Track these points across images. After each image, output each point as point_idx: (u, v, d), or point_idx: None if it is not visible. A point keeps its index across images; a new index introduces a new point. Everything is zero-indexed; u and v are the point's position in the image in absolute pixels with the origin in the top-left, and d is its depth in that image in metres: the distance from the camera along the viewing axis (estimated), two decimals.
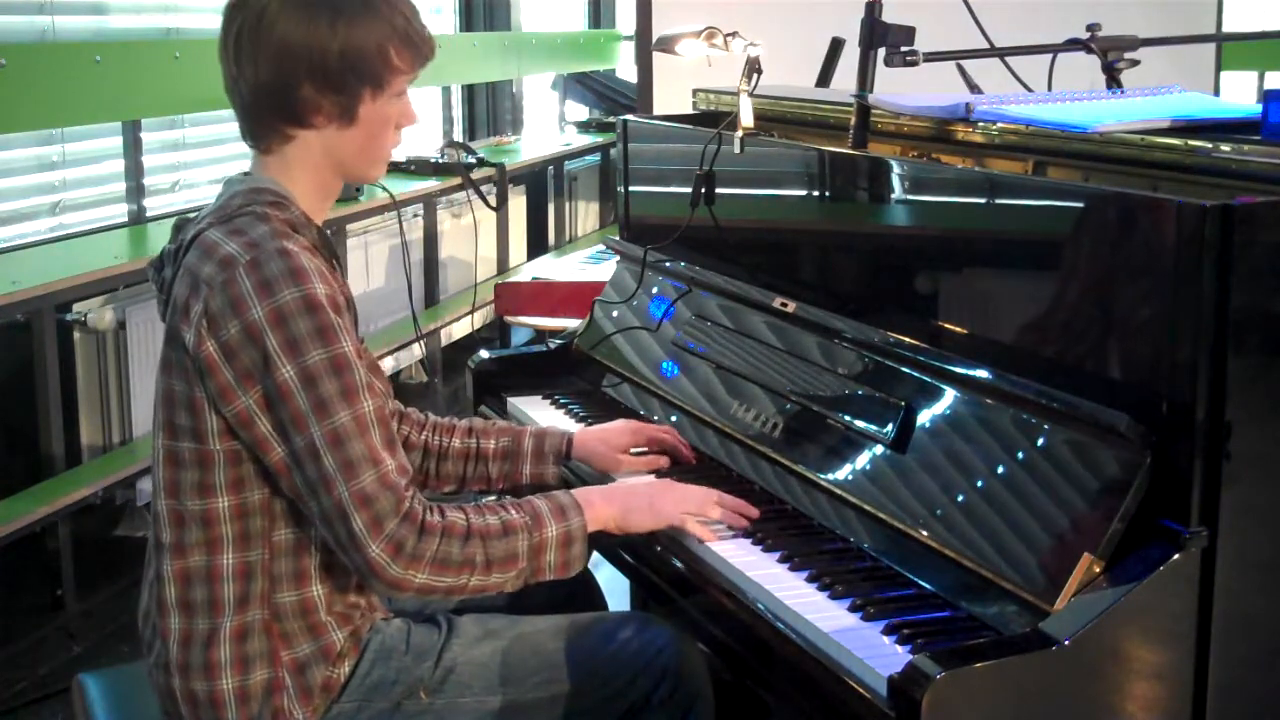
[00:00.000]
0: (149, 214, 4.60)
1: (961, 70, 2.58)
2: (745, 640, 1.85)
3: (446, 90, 6.92)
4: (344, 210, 4.78)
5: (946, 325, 2.01)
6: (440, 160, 5.57)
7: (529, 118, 7.88)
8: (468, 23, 7.03)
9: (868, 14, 2.27)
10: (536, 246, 6.98)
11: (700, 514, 1.99)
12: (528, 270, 4.60)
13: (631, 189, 2.90)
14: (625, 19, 8.38)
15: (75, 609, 3.73)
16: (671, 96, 3.67)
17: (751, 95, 2.39)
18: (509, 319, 4.17)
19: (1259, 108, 1.86)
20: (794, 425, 2.15)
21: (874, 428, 1.98)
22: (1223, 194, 1.70)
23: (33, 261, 3.90)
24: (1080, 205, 1.80)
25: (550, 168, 7.21)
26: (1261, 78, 7.19)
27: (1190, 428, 1.59)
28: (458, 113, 7.09)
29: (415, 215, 5.76)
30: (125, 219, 4.57)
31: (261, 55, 1.80)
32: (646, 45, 3.89)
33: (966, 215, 2.02)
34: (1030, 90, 2.51)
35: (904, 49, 2.24)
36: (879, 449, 1.97)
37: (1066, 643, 1.51)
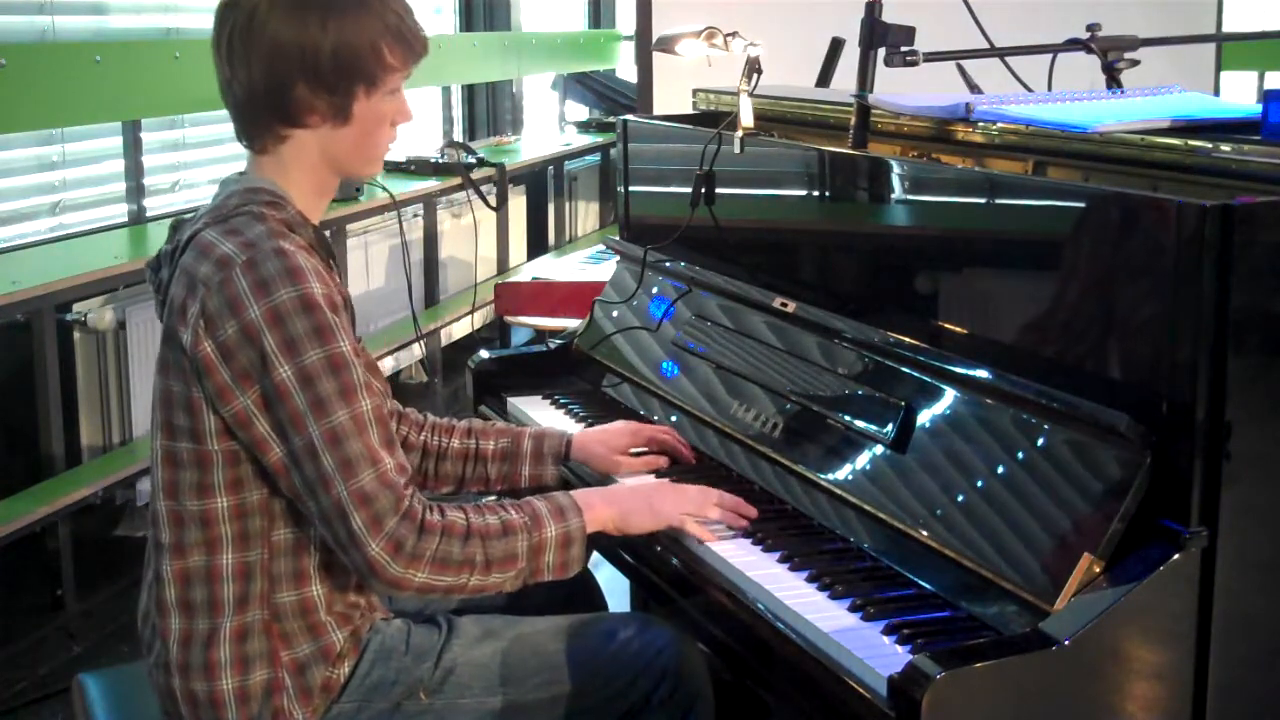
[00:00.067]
0: (149, 214, 4.60)
1: (961, 70, 2.58)
2: (745, 640, 1.85)
3: (446, 90, 6.92)
4: (344, 210, 4.78)
5: (946, 325, 2.01)
6: (440, 160, 5.57)
7: (529, 118, 7.88)
8: (468, 23, 7.03)
9: (868, 14, 2.27)
10: (536, 246, 6.98)
11: (699, 514, 1.99)
12: (528, 270, 4.60)
13: (631, 189, 2.90)
14: (625, 19, 8.38)
15: (75, 609, 3.73)
16: (671, 96, 3.67)
17: (751, 95, 2.39)
18: (509, 319, 4.17)
19: (1259, 108, 1.86)
20: (794, 425, 2.15)
21: (874, 428, 1.98)
22: (1223, 194, 1.70)
23: (33, 261, 3.90)
24: (1080, 205, 1.80)
25: (550, 168, 7.21)
26: (1261, 78, 7.19)
27: (1190, 428, 1.59)
28: (458, 113, 7.09)
29: (415, 215, 5.76)
30: (125, 219, 4.57)
31: (254, 56, 1.79)
32: (646, 45, 3.89)
33: (966, 215, 2.02)
34: (1030, 90, 2.51)
35: (904, 49, 2.24)
36: (879, 449, 1.97)
37: (1066, 643, 1.51)
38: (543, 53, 7.51)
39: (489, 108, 7.42)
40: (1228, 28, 4.66)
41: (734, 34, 2.44)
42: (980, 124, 2.14)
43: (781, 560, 1.91)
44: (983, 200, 2.00)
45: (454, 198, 5.93)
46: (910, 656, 1.55)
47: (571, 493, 1.93)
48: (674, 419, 2.41)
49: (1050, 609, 1.59)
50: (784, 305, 2.30)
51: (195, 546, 1.81)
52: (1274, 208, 1.62)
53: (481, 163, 5.69)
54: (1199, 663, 1.61)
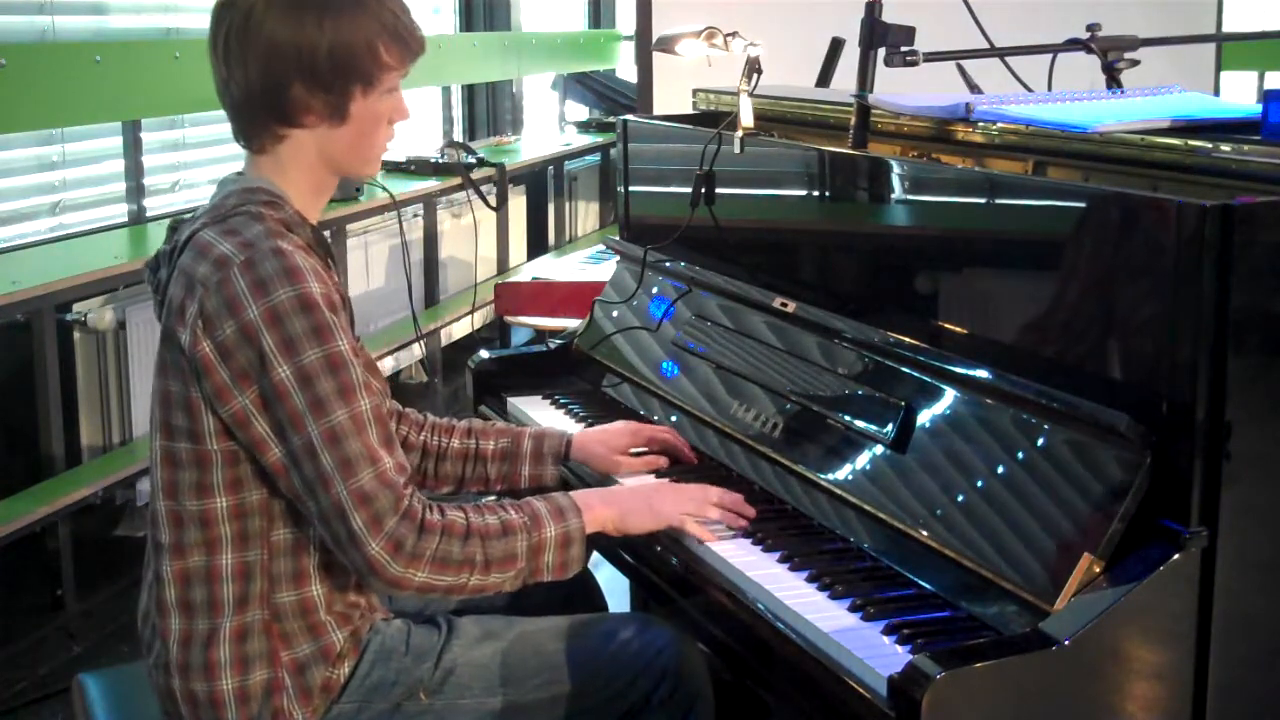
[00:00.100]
0: (149, 214, 4.60)
1: (961, 70, 2.58)
2: (745, 640, 1.85)
3: (446, 90, 6.92)
4: (344, 210, 4.78)
5: (946, 325, 2.01)
6: (440, 160, 5.57)
7: (529, 118, 7.88)
8: (468, 23, 7.03)
9: (868, 14, 2.27)
10: (536, 246, 6.98)
11: (699, 514, 1.99)
12: (528, 270, 4.60)
13: (631, 189, 2.90)
14: (625, 19, 8.38)
15: (75, 609, 3.73)
16: (671, 96, 3.67)
17: (751, 95, 2.39)
18: (509, 319, 4.17)
19: (1259, 108, 1.86)
20: (794, 425, 2.15)
21: (874, 428, 1.98)
22: (1223, 194, 1.70)
23: (33, 261, 3.89)
24: (1080, 205, 1.80)
25: (550, 168, 7.20)
26: (1261, 78, 7.19)
27: (1190, 428, 1.59)
28: (458, 113, 7.09)
29: (415, 215, 5.76)
30: (125, 219, 4.57)
31: (250, 56, 1.79)
32: (646, 45, 3.89)
33: (966, 215, 2.02)
34: (1030, 90, 2.51)
35: (904, 49, 2.24)
36: (879, 449, 1.97)
37: (1066, 643, 1.51)
38: (543, 53, 7.51)
39: (489, 108, 7.41)
40: (1228, 28, 4.66)
41: (734, 34, 2.44)
42: (980, 124, 2.14)
43: (781, 560, 1.91)
44: (983, 200, 2.00)
45: (454, 198, 5.93)
46: (910, 656, 1.55)
47: (571, 493, 1.93)
48: (674, 419, 2.41)
49: (1050, 609, 1.59)
50: (784, 305, 2.30)
51: (195, 547, 1.81)
52: (1274, 208, 1.62)
53: (481, 163, 5.69)
54: (1199, 663, 1.61)
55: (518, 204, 6.69)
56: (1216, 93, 4.16)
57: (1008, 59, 2.51)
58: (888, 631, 1.68)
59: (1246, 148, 1.78)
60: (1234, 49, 5.20)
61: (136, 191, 4.57)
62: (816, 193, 2.36)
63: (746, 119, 2.39)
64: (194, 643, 1.81)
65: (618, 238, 2.94)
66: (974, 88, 2.57)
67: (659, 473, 2.24)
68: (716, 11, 2.64)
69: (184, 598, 1.82)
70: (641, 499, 1.98)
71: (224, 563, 1.80)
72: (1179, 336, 1.60)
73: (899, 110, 2.29)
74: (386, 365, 5.33)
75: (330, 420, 1.72)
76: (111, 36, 4.46)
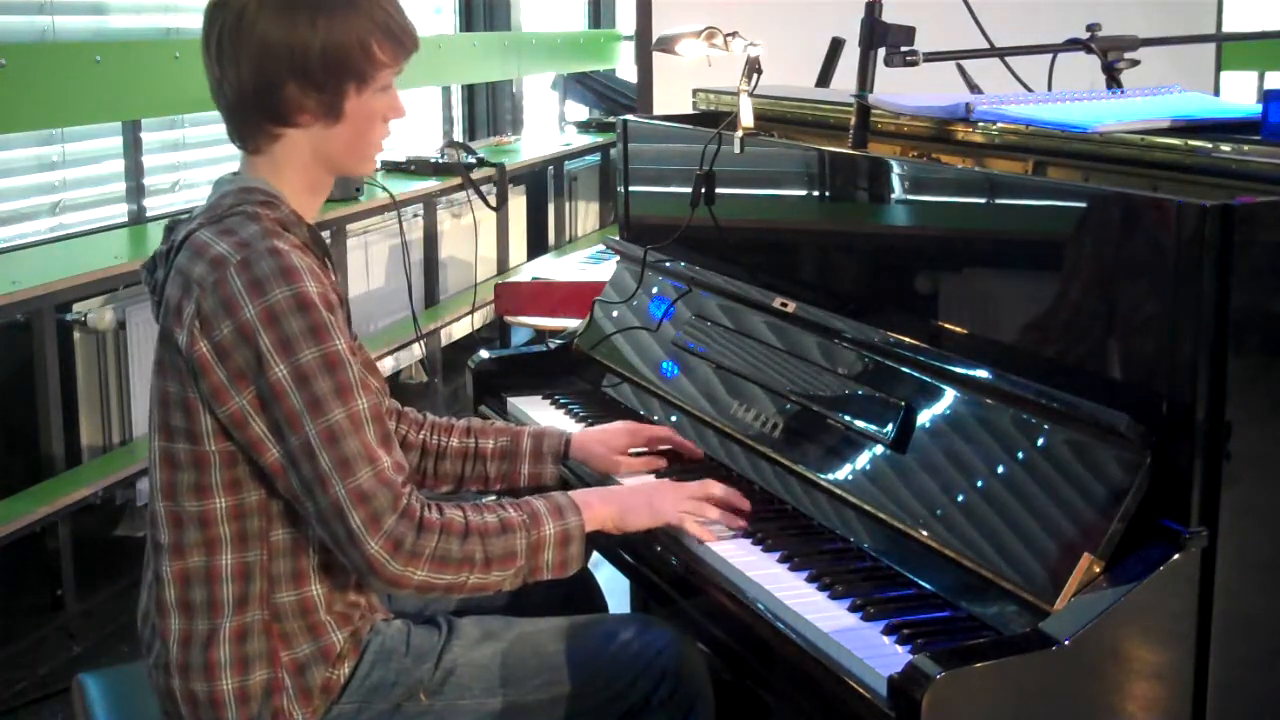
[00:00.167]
0: (149, 214, 4.60)
1: (961, 70, 2.58)
2: (745, 640, 1.85)
3: (446, 90, 6.92)
4: (344, 210, 4.78)
5: (946, 325, 2.01)
6: (440, 160, 5.57)
7: (529, 118, 7.88)
8: (468, 23, 7.03)
9: (868, 14, 2.27)
10: (536, 246, 6.98)
11: (698, 513, 1.99)
12: (528, 270, 4.59)
13: (631, 189, 2.90)
14: (625, 19, 8.38)
15: (75, 609, 3.73)
16: (671, 96, 3.67)
17: (751, 95, 2.39)
18: (509, 319, 4.17)
19: (1259, 108, 1.86)
20: (794, 425, 2.15)
21: (874, 428, 1.98)
22: (1223, 194, 1.70)
23: (33, 261, 3.90)
24: (1080, 205, 1.80)
25: (550, 168, 7.20)
26: (1261, 78, 7.19)
27: (1190, 428, 1.59)
28: (458, 113, 7.09)
29: (415, 215, 5.76)
30: (125, 219, 4.57)
31: (243, 56, 1.79)
32: (646, 45, 3.89)
33: (966, 215, 2.02)
34: (1030, 90, 2.50)
35: (904, 49, 2.24)
36: (879, 449, 1.97)
37: (1066, 643, 1.51)
38: (543, 53, 7.51)
39: (489, 108, 7.41)
40: (1228, 28, 4.66)
41: (734, 34, 2.44)
42: (980, 124, 2.14)
43: (781, 560, 1.91)
44: (983, 200, 2.00)
45: (454, 198, 5.93)
46: (910, 656, 1.55)
47: (570, 492, 1.93)
48: (674, 419, 2.41)
49: (1050, 609, 1.59)
50: (784, 305, 2.30)
51: (194, 547, 1.81)
52: (1274, 208, 1.62)
53: (481, 163, 5.69)
54: (1199, 663, 1.61)
55: (518, 204, 6.69)
56: (1216, 93, 4.16)
57: (1008, 59, 2.51)
58: (888, 631, 1.68)
59: (1246, 148, 1.78)
60: (1234, 49, 5.20)
61: (136, 191, 4.57)
62: (816, 193, 2.36)
63: (746, 119, 2.39)
64: (194, 643, 1.81)
65: (618, 238, 2.94)
66: (974, 88, 2.57)
67: (659, 473, 2.24)
68: (716, 11, 2.64)
69: (184, 598, 1.82)
70: (641, 497, 1.98)
71: (223, 563, 1.80)
72: (1179, 336, 1.60)
73: (899, 110, 2.29)
74: (386, 365, 5.33)
75: (328, 419, 1.72)
76: (111, 36, 4.46)
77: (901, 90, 2.33)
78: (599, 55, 8.20)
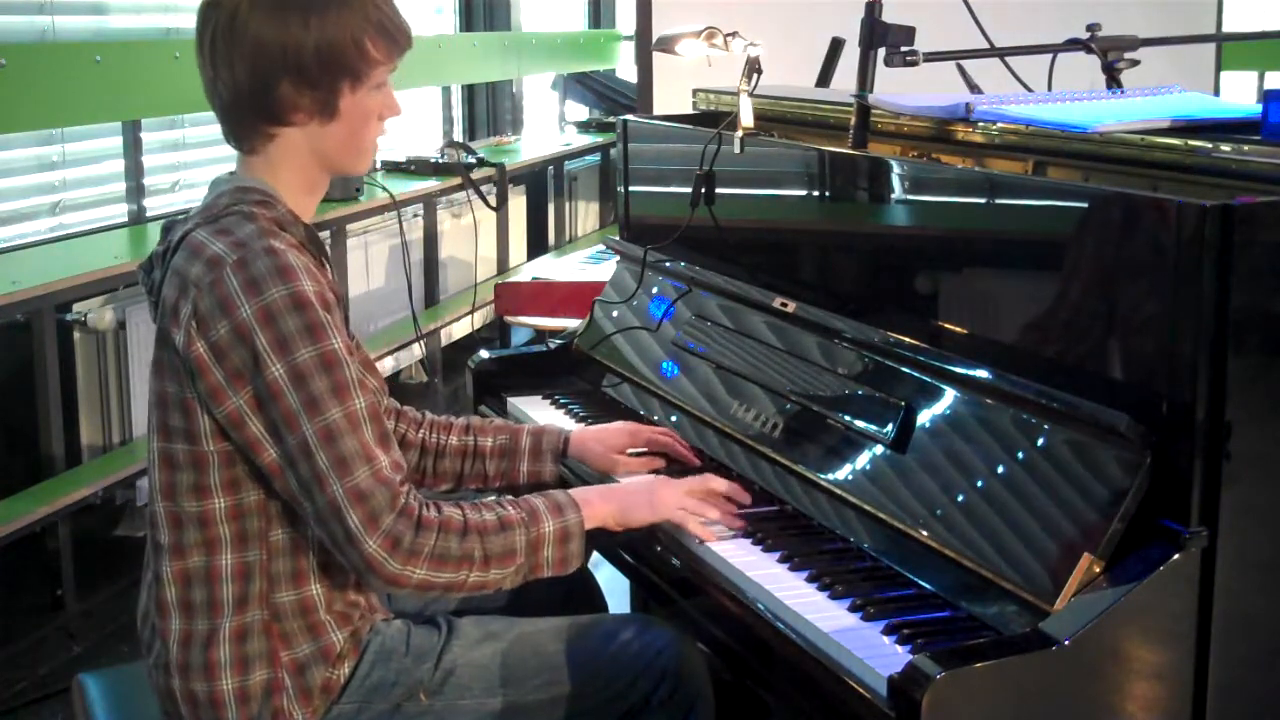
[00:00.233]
0: (149, 214, 4.60)
1: (961, 70, 2.58)
2: (745, 640, 1.85)
3: (446, 90, 6.92)
4: (344, 210, 4.78)
5: (946, 325, 2.01)
6: (440, 160, 5.57)
7: (529, 118, 7.88)
8: (468, 23, 7.03)
9: (868, 14, 2.27)
10: (536, 246, 6.98)
11: (699, 512, 1.99)
12: (528, 270, 4.60)
13: (631, 189, 2.90)
14: (625, 19, 8.38)
15: (75, 609, 3.73)
16: (671, 96, 3.67)
17: (751, 95, 2.39)
18: (509, 319, 4.17)
19: (1259, 108, 1.86)
20: (794, 425, 2.15)
21: (874, 428, 1.98)
22: (1223, 194, 1.70)
23: (33, 261, 3.90)
24: (1080, 205, 1.80)
25: (550, 168, 7.20)
26: (1261, 78, 7.19)
27: (1190, 428, 1.59)
28: (458, 113, 7.09)
29: (415, 215, 5.76)
30: (125, 219, 4.57)
31: (237, 56, 1.79)
32: (646, 45, 3.89)
33: (966, 215, 2.02)
34: (1030, 90, 2.50)
35: (904, 49, 2.24)
36: (879, 449, 1.97)
37: (1066, 643, 1.51)
38: (543, 53, 7.51)
39: (489, 108, 7.41)
40: (1228, 28, 4.66)
41: (734, 34, 2.44)
42: (980, 124, 2.14)
43: (781, 560, 1.91)
44: (983, 200, 2.00)
45: (454, 198, 5.93)
46: (910, 656, 1.55)
47: (569, 490, 1.93)
48: (674, 419, 2.41)
49: (1050, 609, 1.59)
50: (784, 305, 2.30)
51: (194, 547, 1.81)
52: (1274, 208, 1.62)
53: (481, 163, 5.69)
54: (1199, 663, 1.61)
55: (518, 204, 6.69)
56: (1216, 93, 4.16)
57: (1008, 59, 2.51)
58: (888, 631, 1.68)
59: (1246, 148, 1.78)
60: (1234, 49, 5.20)
61: (136, 191, 4.57)
62: (816, 193, 2.36)
63: (746, 119, 2.39)
64: (194, 643, 1.81)
65: (618, 238, 2.94)
66: (974, 88, 2.57)
67: (657, 472, 2.24)
68: (716, 11, 2.64)
69: (184, 598, 1.82)
70: (642, 493, 1.98)
71: (223, 563, 1.80)
72: (1179, 336, 1.60)
73: (899, 110, 2.29)
74: (386, 365, 5.33)
75: (325, 419, 1.72)
76: (111, 36, 4.46)
77: (901, 90, 2.33)
78: (599, 55, 8.20)
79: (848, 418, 2.05)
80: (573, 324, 2.92)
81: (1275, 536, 1.65)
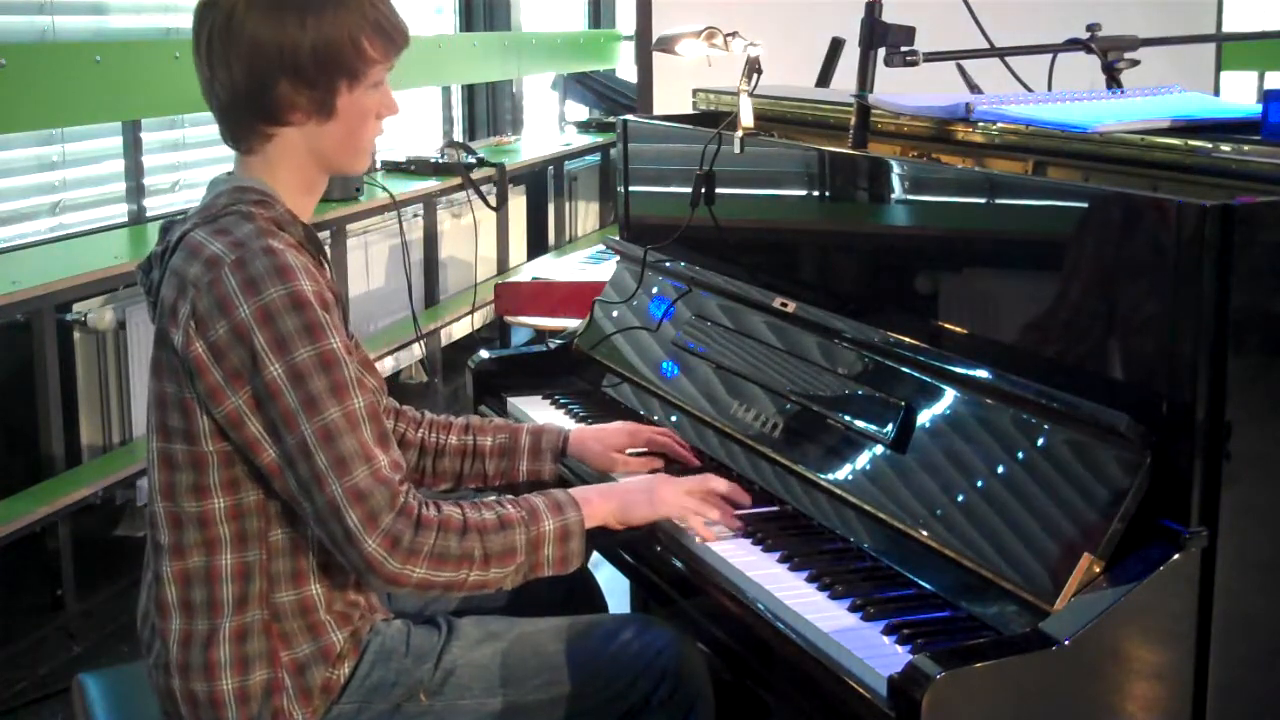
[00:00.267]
0: (149, 214, 4.60)
1: (961, 70, 2.58)
2: (745, 640, 1.85)
3: (446, 90, 6.92)
4: (344, 210, 4.78)
5: (946, 325, 2.01)
6: (440, 160, 5.57)
7: (529, 118, 7.88)
8: (468, 23, 7.03)
9: (868, 14, 2.27)
10: (536, 246, 6.98)
11: (699, 511, 1.99)
12: (528, 270, 4.60)
13: (631, 189, 2.90)
14: (625, 19, 8.38)
15: (75, 609, 3.73)
16: (671, 96, 3.67)
17: (751, 95, 2.39)
18: (509, 319, 4.17)
19: (1259, 108, 1.86)
20: (794, 425, 2.15)
21: (874, 428, 1.98)
22: (1223, 194, 1.70)
23: (33, 261, 3.90)
24: (1080, 205, 1.80)
25: (550, 168, 7.21)
26: (1261, 78, 7.19)
27: (1190, 428, 1.59)
28: (458, 113, 7.09)
29: (415, 215, 5.76)
30: (125, 219, 4.57)
31: (233, 56, 1.79)
32: (646, 45, 3.89)
33: (966, 215, 2.02)
34: (1030, 90, 2.50)
35: (904, 49, 2.24)
36: (879, 449, 1.97)
37: (1066, 643, 1.51)
38: (543, 53, 7.51)
39: (489, 108, 7.41)
40: (1228, 28, 4.66)
41: (734, 34, 2.44)
42: (980, 124, 2.14)
43: (781, 560, 1.91)
44: (983, 200, 2.00)
45: (454, 198, 5.93)
46: (910, 656, 1.55)
47: (569, 489, 1.93)
48: (674, 419, 2.41)
49: (1050, 609, 1.59)
50: (784, 305, 2.30)
51: (194, 547, 1.81)
52: (1274, 208, 1.62)
53: (481, 163, 5.69)
54: (1199, 663, 1.61)
55: (518, 204, 6.69)
56: (1216, 93, 4.16)
57: (1008, 59, 2.51)
58: (888, 631, 1.68)
59: (1246, 148, 1.78)
60: (1234, 49, 5.20)
61: (136, 191, 4.57)
62: (816, 193, 2.36)
63: (746, 119, 2.39)
64: (194, 643, 1.81)
65: (618, 238, 2.94)
66: (974, 88, 2.57)
67: (656, 473, 2.23)
68: (716, 11, 2.64)
69: (184, 598, 1.82)
70: (642, 491, 1.98)
71: (223, 563, 1.80)
72: (1179, 336, 1.60)
73: (899, 110, 2.29)
74: (386, 365, 5.33)
75: (324, 418, 1.72)
76: (111, 36, 4.46)
77: (901, 90, 2.33)
78: (599, 55, 8.20)
79: (848, 418, 2.05)
80: (573, 324, 2.92)
81: (1275, 536, 1.65)
